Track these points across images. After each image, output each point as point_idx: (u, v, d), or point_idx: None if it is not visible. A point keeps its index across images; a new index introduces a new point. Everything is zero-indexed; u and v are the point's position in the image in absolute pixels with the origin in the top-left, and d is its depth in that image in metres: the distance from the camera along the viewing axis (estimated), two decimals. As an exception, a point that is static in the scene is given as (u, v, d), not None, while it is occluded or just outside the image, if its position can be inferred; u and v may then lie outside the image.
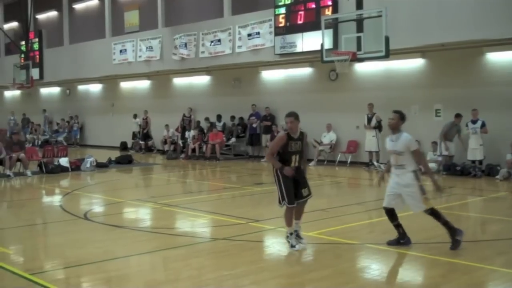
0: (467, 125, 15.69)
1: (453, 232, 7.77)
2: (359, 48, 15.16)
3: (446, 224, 7.81)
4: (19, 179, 16.78)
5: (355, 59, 15.38)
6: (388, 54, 14.69)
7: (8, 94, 37.17)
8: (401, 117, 7.86)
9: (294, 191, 7.69)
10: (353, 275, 6.91)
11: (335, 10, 17.58)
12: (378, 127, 17.51)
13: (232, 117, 22.61)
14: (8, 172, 16.88)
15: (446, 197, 12.94)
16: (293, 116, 7.72)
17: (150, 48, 24.34)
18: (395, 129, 7.85)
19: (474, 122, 15.56)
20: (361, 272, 7.11)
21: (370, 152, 17.74)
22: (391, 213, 7.96)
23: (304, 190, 7.80)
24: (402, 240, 7.95)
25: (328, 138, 19.49)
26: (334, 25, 16.29)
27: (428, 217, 10.08)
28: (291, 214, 7.76)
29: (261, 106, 21.42)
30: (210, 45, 21.69)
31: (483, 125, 15.41)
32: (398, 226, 7.96)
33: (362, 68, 18.52)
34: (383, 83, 18.20)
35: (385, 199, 7.99)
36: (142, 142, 25.62)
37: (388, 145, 7.93)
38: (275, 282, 6.63)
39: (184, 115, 23.99)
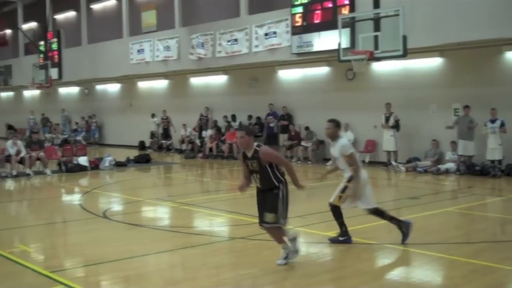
0: (485, 125, 15.53)
1: (343, 233, 8.06)
2: (376, 47, 15.07)
3: (341, 224, 8.06)
4: (38, 178, 16.97)
5: (372, 58, 15.28)
6: (405, 53, 14.58)
7: (27, 93, 37.58)
8: (336, 124, 8.15)
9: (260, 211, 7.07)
10: (372, 275, 6.88)
11: (352, 9, 17.50)
12: (396, 126, 17.41)
13: (249, 117, 22.62)
14: (28, 171, 17.09)
15: (466, 197, 12.84)
16: (244, 131, 6.95)
17: (167, 48, 24.44)
18: (333, 136, 8.12)
19: (493, 121, 15.40)
20: (380, 272, 7.09)
21: (388, 152, 17.64)
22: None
23: (264, 214, 6.93)
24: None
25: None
26: (351, 24, 16.19)
27: (447, 217, 10.02)
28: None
29: (278, 105, 21.42)
30: (227, 44, 21.73)
31: (502, 124, 15.25)
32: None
33: (380, 67, 18.41)
34: (400, 82, 18.09)
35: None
36: (163, 141, 25.79)
37: (330, 151, 8.36)
38: (293, 282, 6.63)
39: (201, 115, 24.07)
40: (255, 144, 6.95)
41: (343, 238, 8.06)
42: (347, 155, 7.90)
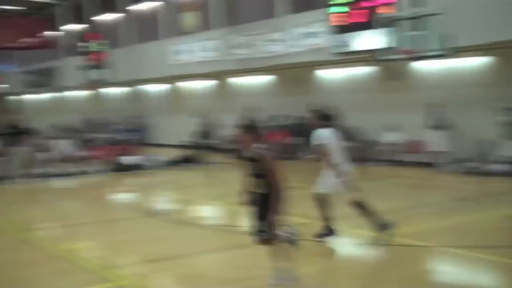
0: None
1: (380, 225, 8.06)
2: (420, 46, 14.86)
3: (371, 214, 8.08)
4: (90, 177, 17.40)
5: (415, 57, 15.10)
6: (449, 53, 14.37)
7: (74, 95, 38.35)
8: (317, 115, 8.17)
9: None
10: (425, 278, 6.87)
11: (393, 7, 17.28)
12: (443, 126, 17.10)
13: (290, 117, 22.62)
14: (80, 170, 17.64)
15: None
16: (242, 128, 6.25)
17: (207, 49, 24.67)
18: (314, 127, 8.15)
19: (540, 122, 15.03)
20: (433, 275, 7.06)
21: (435, 152, 17.31)
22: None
23: (259, 223, 6.23)
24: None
25: (390, 138, 19.12)
26: (392, 23, 16.01)
27: (498, 220, 9.75)
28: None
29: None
30: (267, 45, 21.79)
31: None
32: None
33: (424, 66, 18.08)
34: (444, 81, 17.78)
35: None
36: (209, 142, 25.99)
37: None
38: (346, 283, 6.69)
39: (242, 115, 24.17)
40: (259, 145, 6.18)
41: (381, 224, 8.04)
42: (315, 145, 7.97)
